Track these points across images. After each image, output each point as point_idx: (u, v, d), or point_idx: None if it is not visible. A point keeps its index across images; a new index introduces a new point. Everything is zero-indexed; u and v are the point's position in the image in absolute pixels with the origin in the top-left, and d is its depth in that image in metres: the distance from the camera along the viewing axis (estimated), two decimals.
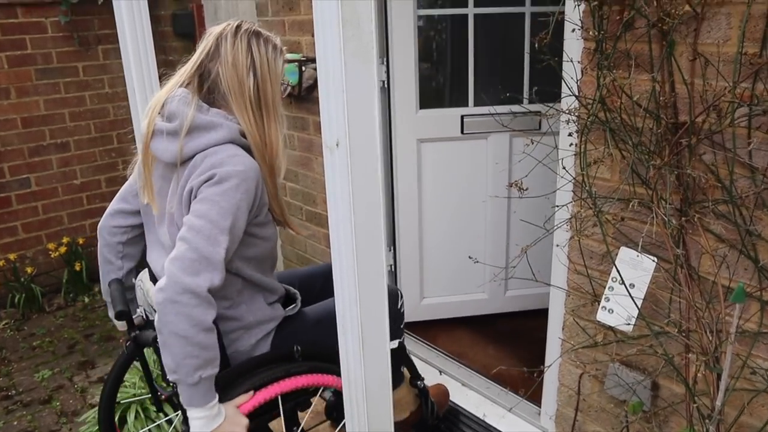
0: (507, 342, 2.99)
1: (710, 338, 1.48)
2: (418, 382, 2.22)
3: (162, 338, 1.42)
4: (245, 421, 1.56)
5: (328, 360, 1.71)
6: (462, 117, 2.82)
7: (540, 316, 3.16)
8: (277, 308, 1.73)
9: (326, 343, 1.59)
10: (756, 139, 1.41)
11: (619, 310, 1.61)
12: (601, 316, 1.64)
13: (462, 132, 2.83)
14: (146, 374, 1.88)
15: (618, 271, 1.55)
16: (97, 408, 2.26)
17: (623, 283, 1.56)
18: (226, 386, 1.57)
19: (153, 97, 1.64)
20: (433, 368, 2.73)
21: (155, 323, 1.43)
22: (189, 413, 1.48)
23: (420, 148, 2.82)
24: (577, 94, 1.73)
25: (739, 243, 1.51)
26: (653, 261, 1.57)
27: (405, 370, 2.19)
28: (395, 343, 1.98)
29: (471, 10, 2.68)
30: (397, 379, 2.14)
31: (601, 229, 1.59)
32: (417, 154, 2.82)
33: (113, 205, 1.79)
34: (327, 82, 1.18)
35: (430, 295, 3.09)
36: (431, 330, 3.07)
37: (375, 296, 1.32)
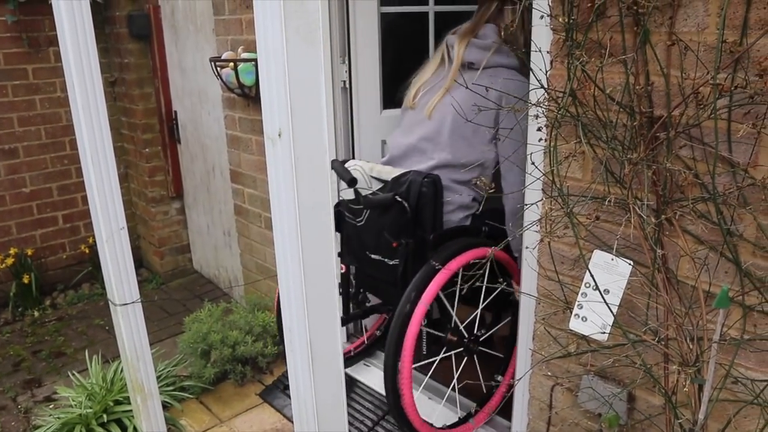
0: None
1: (691, 347, 1.37)
2: None
3: None
4: None
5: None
6: None
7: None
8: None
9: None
10: (740, 132, 1.31)
11: (593, 318, 1.50)
12: (574, 324, 1.53)
13: None
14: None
15: (592, 276, 1.44)
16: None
17: (597, 288, 1.45)
18: (436, 245, 2.15)
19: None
20: None
21: None
22: None
23: (385, 150, 2.71)
24: (545, 86, 1.63)
25: (718, 244, 1.42)
26: (629, 264, 1.46)
27: None
28: None
29: (431, 8, 2.63)
30: None
31: (573, 230, 1.48)
32: (381, 156, 2.71)
33: None
34: (267, 65, 1.05)
35: None
36: None
37: (325, 309, 1.19)
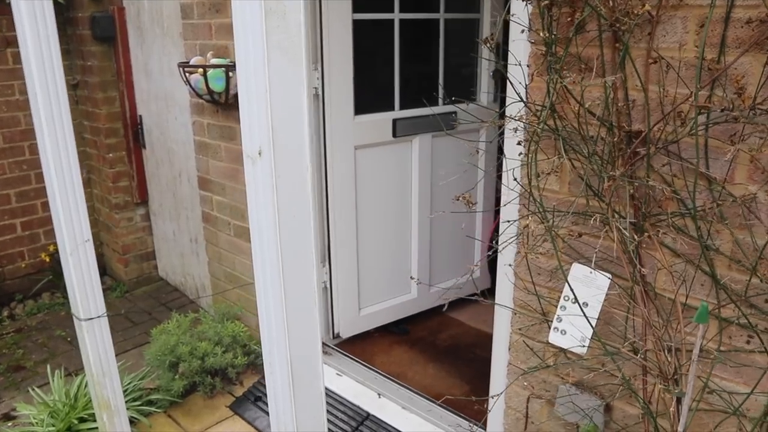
0: (447, 359, 2.86)
1: (669, 359, 1.38)
2: None
3: None
4: None
5: None
6: (394, 121, 2.80)
7: (468, 316, 3.16)
8: None
9: None
10: (728, 152, 1.33)
11: (572, 331, 1.50)
12: (554, 337, 1.53)
13: (394, 135, 2.82)
14: None
15: (571, 289, 1.44)
16: None
17: (576, 301, 1.45)
18: None
19: None
20: (372, 391, 2.57)
21: None
22: None
23: (356, 155, 2.70)
24: (525, 99, 1.63)
25: (694, 258, 1.43)
26: (608, 278, 1.47)
27: None
28: None
29: (396, 15, 2.67)
30: None
31: (553, 244, 1.48)
32: (354, 162, 2.69)
33: None
34: (247, 82, 1.01)
35: (367, 304, 2.97)
36: (368, 348, 2.92)
37: (306, 328, 1.15)
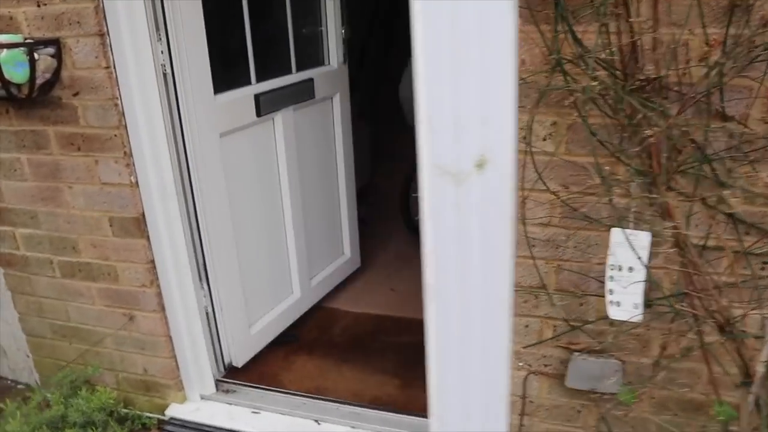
0: (356, 356, 2.59)
1: (725, 305, 1.38)
2: None
3: None
4: None
5: None
6: (256, 96, 2.34)
7: (344, 302, 2.90)
8: None
9: None
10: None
11: (626, 301, 1.40)
12: (613, 312, 1.42)
13: (258, 114, 2.36)
14: None
15: (639, 257, 1.34)
16: None
17: (642, 264, 1.36)
18: None
19: None
20: (307, 420, 2.19)
21: None
22: None
23: (222, 144, 2.19)
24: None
25: (710, 199, 1.44)
26: (649, 234, 1.39)
27: None
28: None
29: None
30: None
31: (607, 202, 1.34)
32: (220, 152, 2.18)
33: None
34: (457, 59, 0.63)
35: (257, 318, 2.54)
36: (267, 370, 2.50)
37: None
